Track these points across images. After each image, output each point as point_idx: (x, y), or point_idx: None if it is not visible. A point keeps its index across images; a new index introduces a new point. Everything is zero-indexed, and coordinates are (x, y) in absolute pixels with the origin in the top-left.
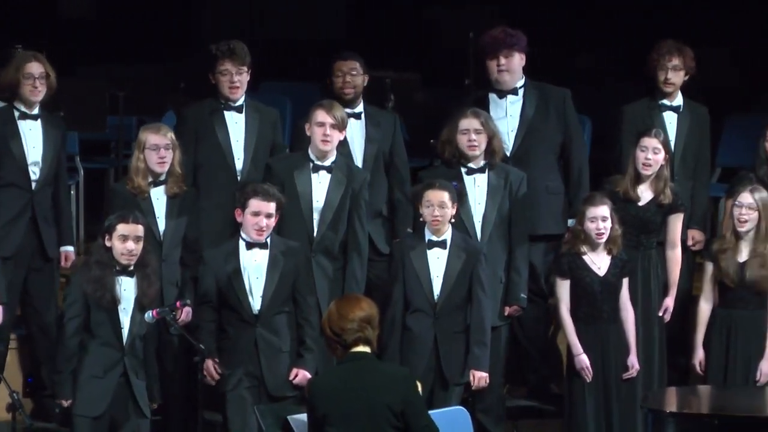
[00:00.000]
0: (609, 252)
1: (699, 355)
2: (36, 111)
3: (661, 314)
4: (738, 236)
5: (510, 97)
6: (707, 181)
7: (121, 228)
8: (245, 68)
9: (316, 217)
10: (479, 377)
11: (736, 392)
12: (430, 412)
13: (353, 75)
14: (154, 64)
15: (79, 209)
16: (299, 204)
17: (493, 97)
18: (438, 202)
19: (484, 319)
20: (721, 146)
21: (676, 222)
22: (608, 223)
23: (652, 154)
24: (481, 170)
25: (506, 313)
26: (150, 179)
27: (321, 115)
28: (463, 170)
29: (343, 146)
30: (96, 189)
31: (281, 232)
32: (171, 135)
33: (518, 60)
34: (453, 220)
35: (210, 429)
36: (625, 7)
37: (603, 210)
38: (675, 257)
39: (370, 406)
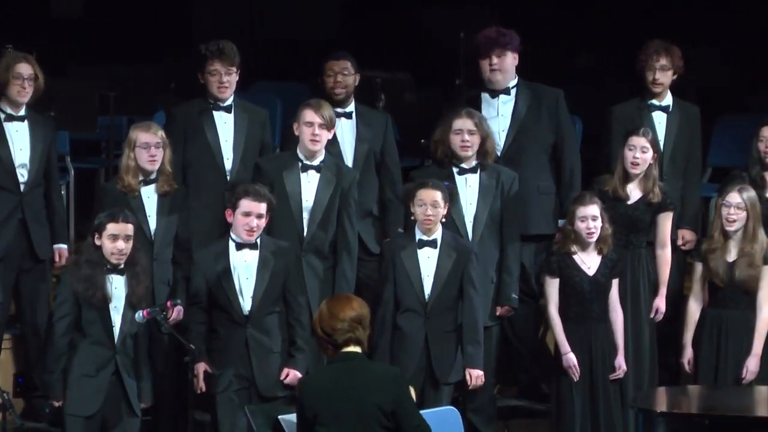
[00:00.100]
0: (600, 252)
1: (688, 353)
2: (23, 112)
3: (652, 315)
4: (726, 236)
5: (502, 96)
6: (698, 181)
7: (111, 227)
8: (234, 68)
9: (305, 216)
10: (475, 376)
11: (726, 392)
12: (421, 411)
13: (344, 75)
14: (145, 64)
15: (69, 209)
16: (289, 204)
17: (485, 96)
18: (431, 201)
19: (477, 317)
20: (712, 146)
21: (666, 221)
22: (598, 223)
23: (640, 153)
24: (472, 170)
25: (497, 314)
26: (140, 178)
27: (309, 115)
28: (455, 170)
29: (334, 146)
30: (87, 189)
31: (271, 232)
32: (161, 133)
33: (511, 60)
34: (444, 220)
35: (200, 429)
36: (618, 7)
37: (593, 209)
38: (664, 256)
39: (361, 406)
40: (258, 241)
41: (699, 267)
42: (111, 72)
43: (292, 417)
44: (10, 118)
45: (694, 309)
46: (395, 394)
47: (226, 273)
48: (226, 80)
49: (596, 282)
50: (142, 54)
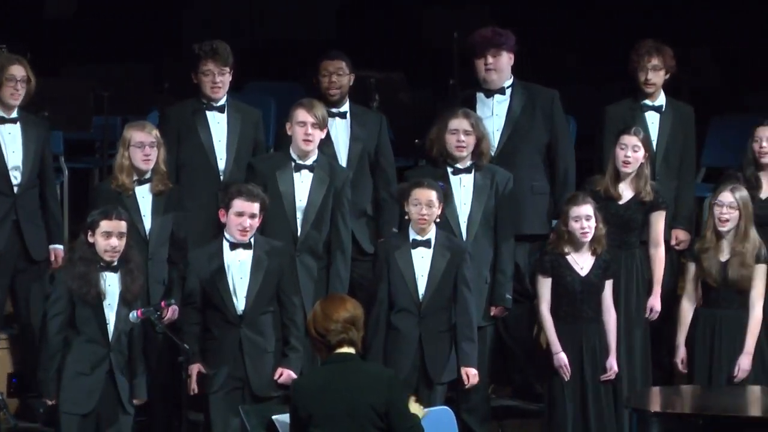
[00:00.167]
0: (594, 252)
1: (681, 353)
2: (15, 114)
3: (647, 315)
4: (719, 236)
5: (497, 96)
6: (692, 181)
7: (105, 224)
8: (228, 69)
9: (299, 216)
10: (471, 374)
11: (720, 392)
12: None
13: (339, 75)
14: (138, 64)
15: (63, 209)
16: (282, 204)
17: (480, 96)
18: (426, 201)
19: (471, 316)
20: (706, 146)
21: (659, 220)
22: (592, 222)
23: (631, 152)
24: (467, 170)
25: (491, 314)
26: (135, 177)
27: (302, 115)
28: (449, 170)
29: (328, 146)
30: (81, 189)
31: (265, 232)
32: (156, 132)
33: (506, 59)
34: (438, 220)
35: (194, 429)
36: (613, 7)
37: (587, 209)
38: (658, 255)
39: (354, 407)
40: (252, 240)
41: (692, 267)
42: (105, 72)
43: (286, 417)
44: (2, 120)
45: (687, 309)
46: (388, 395)
47: (220, 273)
48: (219, 80)
49: (588, 282)
50: (136, 54)
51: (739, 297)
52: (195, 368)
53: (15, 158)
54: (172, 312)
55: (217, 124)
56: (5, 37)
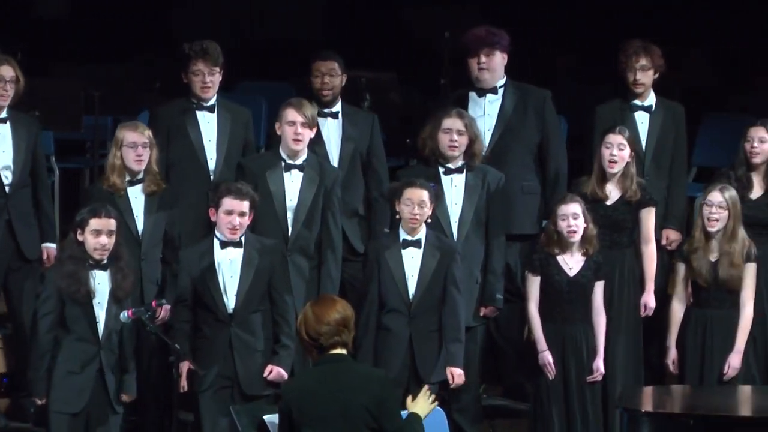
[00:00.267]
0: (585, 253)
1: (672, 354)
2: (4, 114)
3: (642, 312)
4: (708, 236)
5: (489, 96)
6: (683, 180)
7: (94, 222)
8: (218, 69)
9: (290, 216)
10: (457, 374)
11: (711, 392)
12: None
13: (332, 76)
14: (129, 64)
15: (54, 209)
16: (273, 203)
17: (472, 95)
18: (418, 201)
19: (459, 317)
20: (697, 146)
21: (648, 217)
22: (580, 221)
23: (617, 151)
24: (458, 171)
25: (482, 314)
26: (126, 177)
27: (291, 114)
28: (441, 170)
29: (320, 146)
30: (71, 189)
31: (256, 231)
32: (148, 133)
33: (499, 59)
34: (429, 221)
35: (184, 429)
36: (604, 7)
37: (574, 208)
38: (650, 252)
39: (347, 408)
40: (242, 239)
41: (682, 267)
42: (96, 72)
43: (277, 417)
44: None
45: (677, 310)
46: (379, 396)
47: (211, 271)
48: (209, 80)
49: (576, 283)
50: (127, 54)
51: (729, 297)
52: (185, 366)
53: (5, 158)
54: (165, 312)
55: (207, 123)
56: None
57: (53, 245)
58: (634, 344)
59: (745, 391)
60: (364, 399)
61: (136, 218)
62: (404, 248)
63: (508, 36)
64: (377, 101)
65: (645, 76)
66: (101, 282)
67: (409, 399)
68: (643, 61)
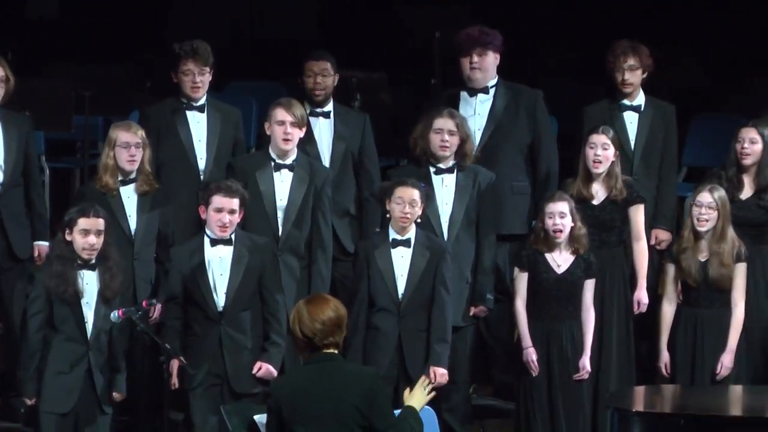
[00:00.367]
0: (574, 251)
1: (664, 357)
2: None
3: (636, 309)
4: (697, 236)
5: (480, 95)
6: (674, 180)
7: (83, 222)
8: (208, 68)
9: (280, 215)
10: (439, 374)
11: (701, 391)
12: (396, 411)
13: (324, 76)
14: (120, 64)
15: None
16: (263, 203)
17: (464, 95)
18: (409, 200)
19: (446, 316)
20: (687, 146)
21: (637, 214)
22: (567, 220)
23: (601, 151)
24: (449, 170)
25: (471, 313)
26: (119, 177)
27: (280, 114)
28: (432, 170)
29: (312, 145)
30: (62, 189)
31: (246, 231)
32: (141, 133)
33: (492, 59)
34: (419, 220)
35: (175, 428)
36: (595, 6)
37: (562, 206)
38: (640, 249)
39: (339, 407)
40: (233, 236)
41: (671, 268)
42: (86, 72)
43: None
44: None
45: (668, 311)
46: (370, 394)
47: (201, 269)
48: (199, 80)
49: (564, 281)
50: (118, 54)
51: (719, 296)
52: (175, 363)
53: None
54: (158, 311)
55: (197, 123)
56: None
57: (45, 243)
58: (625, 344)
59: (736, 390)
60: (356, 397)
61: (128, 218)
62: (394, 247)
63: (501, 36)
64: (368, 101)
65: (633, 76)
66: (89, 282)
67: (406, 391)
68: (631, 61)
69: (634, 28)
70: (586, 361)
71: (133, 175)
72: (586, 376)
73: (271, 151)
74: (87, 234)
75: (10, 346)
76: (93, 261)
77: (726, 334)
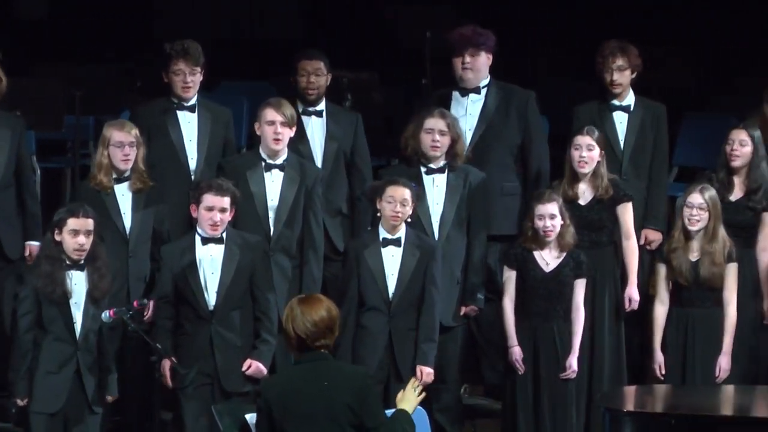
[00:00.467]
0: (562, 249)
1: (658, 358)
2: None
3: (627, 307)
4: (688, 236)
5: (472, 95)
6: (664, 181)
7: (72, 222)
8: (198, 68)
9: (271, 215)
10: (426, 373)
11: (693, 391)
12: (387, 411)
13: (318, 75)
14: (110, 64)
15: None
16: (254, 204)
17: (455, 94)
18: (400, 199)
19: (434, 317)
20: (678, 146)
21: (625, 212)
22: (557, 221)
23: (586, 152)
24: (440, 170)
25: (462, 313)
26: (113, 176)
27: (270, 114)
28: (423, 170)
29: (304, 144)
30: (53, 189)
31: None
32: (135, 132)
33: (484, 60)
34: (410, 220)
35: (166, 428)
36: (586, 6)
37: (552, 208)
38: (630, 247)
39: (331, 406)
40: (224, 235)
41: (662, 268)
42: (77, 71)
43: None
44: None
45: (660, 313)
46: (360, 393)
47: (192, 268)
48: (190, 80)
49: (552, 279)
50: (108, 53)
51: (711, 295)
52: (166, 364)
53: None
54: (152, 310)
55: (188, 123)
56: None
57: (37, 243)
58: (616, 343)
59: (727, 390)
60: (348, 396)
61: (123, 216)
62: (384, 247)
63: (494, 37)
64: (359, 101)
65: (622, 76)
66: (78, 282)
67: (399, 395)
68: (619, 62)
69: (625, 29)
70: (573, 361)
71: (127, 174)
72: (573, 375)
73: (261, 151)
74: (76, 234)
75: (1, 346)
76: (82, 261)
77: (717, 335)
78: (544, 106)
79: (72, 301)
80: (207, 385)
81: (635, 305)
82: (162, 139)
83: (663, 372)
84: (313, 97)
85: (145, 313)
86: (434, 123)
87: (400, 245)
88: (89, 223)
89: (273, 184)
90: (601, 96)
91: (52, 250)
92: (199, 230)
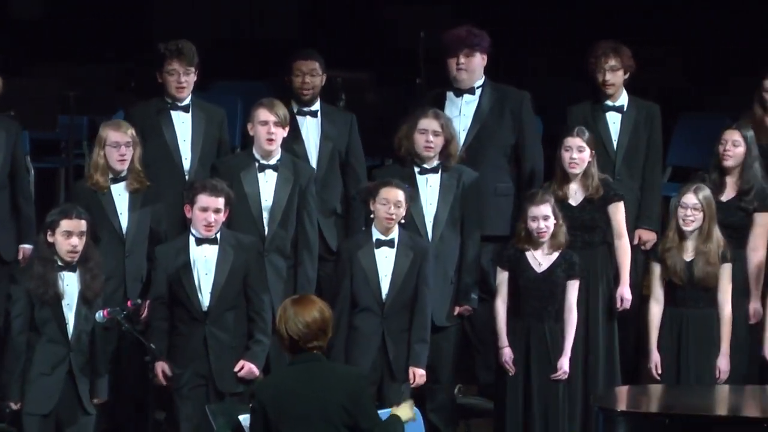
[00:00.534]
0: (555, 248)
1: (654, 358)
2: None
3: (619, 306)
4: (682, 235)
5: (466, 96)
6: (658, 181)
7: (65, 224)
8: (193, 68)
9: (265, 216)
10: (419, 374)
11: (686, 391)
12: (380, 411)
13: (313, 75)
14: (104, 64)
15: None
16: (248, 204)
17: (449, 95)
18: (394, 200)
19: (426, 317)
20: (672, 146)
21: (616, 211)
22: (550, 222)
23: (577, 153)
24: (434, 171)
25: (456, 313)
26: (110, 176)
27: (263, 114)
28: (416, 170)
29: (299, 144)
30: (47, 189)
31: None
32: (131, 132)
33: (479, 60)
34: (403, 221)
35: (160, 428)
36: (580, 6)
37: (545, 209)
38: (622, 246)
39: (326, 407)
40: (218, 236)
41: (657, 268)
42: (71, 71)
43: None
44: None
45: (655, 313)
46: (355, 393)
47: (186, 268)
48: (184, 80)
49: (545, 280)
50: (102, 54)
51: (705, 295)
52: (159, 366)
53: None
54: (148, 310)
55: (182, 123)
56: None
57: (30, 246)
58: (609, 344)
59: (721, 390)
60: (342, 397)
61: (119, 215)
62: (377, 248)
63: (489, 37)
64: (353, 101)
65: (615, 76)
66: (70, 283)
67: (394, 408)
68: (612, 62)
69: (621, 29)
70: (564, 362)
71: (123, 174)
72: (564, 376)
73: (254, 151)
74: (70, 236)
75: None
76: (74, 263)
77: (711, 335)
78: (539, 106)
79: (64, 303)
80: (201, 386)
81: (627, 304)
82: (156, 140)
83: (658, 371)
84: (308, 98)
85: (140, 313)
86: (428, 123)
87: (393, 246)
88: (82, 225)
89: (267, 184)
90: (594, 96)
91: (44, 252)
92: (193, 231)
